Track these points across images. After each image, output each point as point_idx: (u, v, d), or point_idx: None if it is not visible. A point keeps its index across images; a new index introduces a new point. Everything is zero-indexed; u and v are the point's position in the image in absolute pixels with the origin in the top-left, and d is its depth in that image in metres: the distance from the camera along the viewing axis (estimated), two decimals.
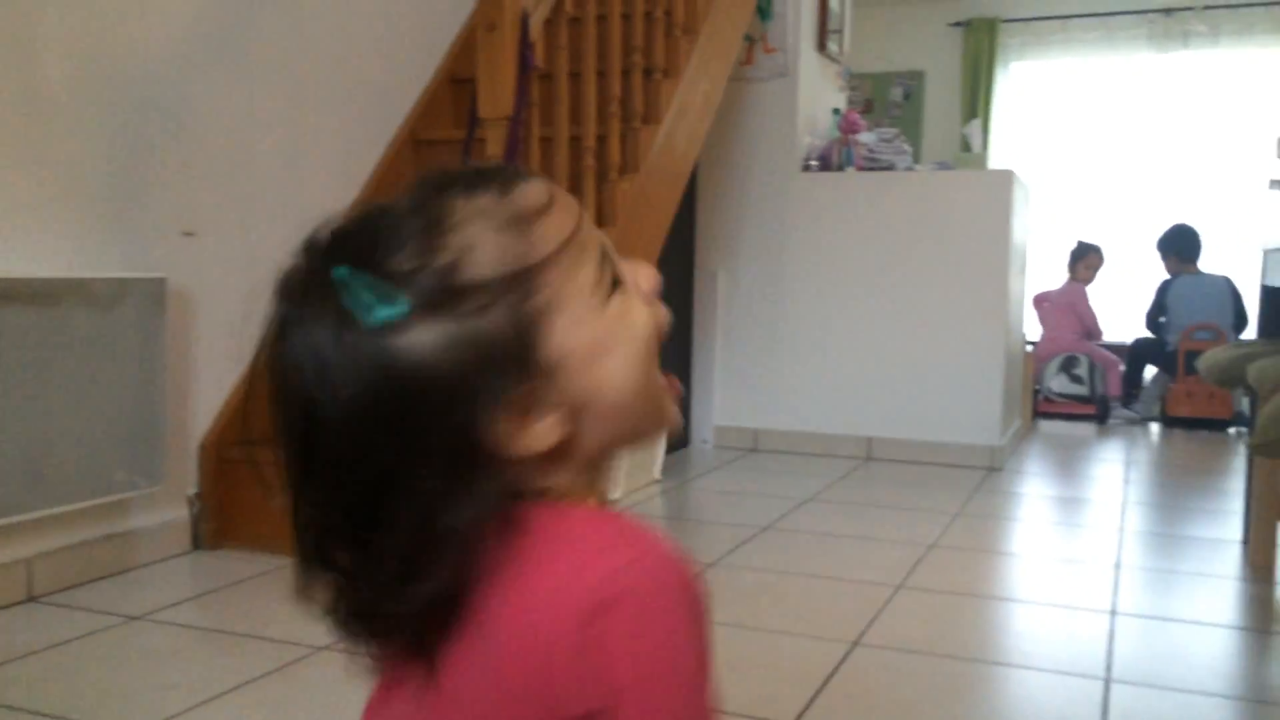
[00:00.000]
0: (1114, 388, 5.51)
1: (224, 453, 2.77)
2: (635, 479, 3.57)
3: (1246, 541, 3.05)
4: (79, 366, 2.30)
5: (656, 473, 3.75)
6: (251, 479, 2.74)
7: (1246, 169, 6.57)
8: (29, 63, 2.29)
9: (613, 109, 2.87)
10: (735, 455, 4.28)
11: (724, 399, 4.46)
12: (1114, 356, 5.56)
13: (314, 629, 2.18)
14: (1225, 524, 3.28)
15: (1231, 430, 4.98)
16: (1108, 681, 2.00)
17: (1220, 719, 1.84)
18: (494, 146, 2.40)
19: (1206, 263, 5.58)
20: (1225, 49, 6.76)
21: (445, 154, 3.50)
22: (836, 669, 2.02)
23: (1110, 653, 2.15)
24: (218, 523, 2.76)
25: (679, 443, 4.29)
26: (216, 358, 2.81)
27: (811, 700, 1.88)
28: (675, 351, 4.33)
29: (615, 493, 3.42)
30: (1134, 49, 6.98)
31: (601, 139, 2.90)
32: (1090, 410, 5.47)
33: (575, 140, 2.79)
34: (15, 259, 2.26)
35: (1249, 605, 2.48)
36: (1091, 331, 5.62)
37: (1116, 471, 4.15)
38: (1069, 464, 4.34)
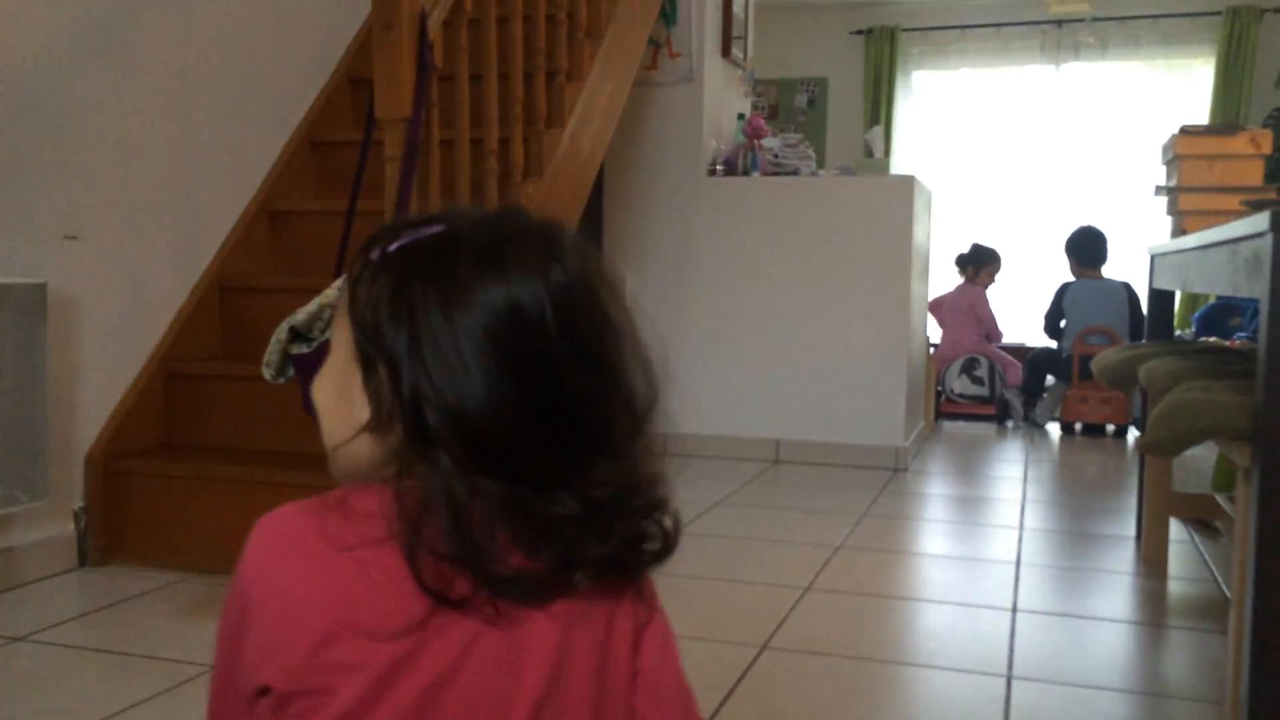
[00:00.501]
0: (1014, 378, 5.59)
1: (112, 464, 2.66)
2: None
3: (1139, 538, 3.14)
4: None
5: None
6: (143, 492, 2.64)
7: (1136, 176, 6.80)
8: None
9: (516, 111, 2.84)
10: None
11: None
12: (1012, 358, 5.66)
13: (206, 647, 2.11)
14: (1120, 521, 3.37)
15: (1133, 435, 5.09)
16: (1009, 679, 2.03)
17: (1118, 713, 1.88)
18: (392, 148, 2.35)
19: (1108, 268, 5.69)
20: (1113, 61, 6.99)
21: (344, 156, 3.42)
22: (745, 673, 2.02)
23: (1012, 650, 2.18)
24: (106, 538, 2.65)
25: None
26: (102, 365, 2.70)
27: (721, 705, 1.87)
28: None
29: None
30: (1028, 59, 7.17)
31: (505, 142, 2.86)
32: (990, 411, 5.59)
33: (477, 143, 2.74)
34: None
35: (1143, 600, 2.54)
36: (991, 334, 5.70)
37: (1016, 471, 4.24)
38: (971, 464, 4.43)
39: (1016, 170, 7.13)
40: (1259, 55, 6.60)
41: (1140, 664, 2.11)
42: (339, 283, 2.30)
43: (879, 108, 7.45)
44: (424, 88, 2.36)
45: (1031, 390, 5.47)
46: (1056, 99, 7.08)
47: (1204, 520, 3.29)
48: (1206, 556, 2.95)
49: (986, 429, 5.42)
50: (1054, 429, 5.38)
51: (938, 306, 5.79)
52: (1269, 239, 1.47)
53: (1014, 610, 2.45)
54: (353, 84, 3.63)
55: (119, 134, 2.70)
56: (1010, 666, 2.09)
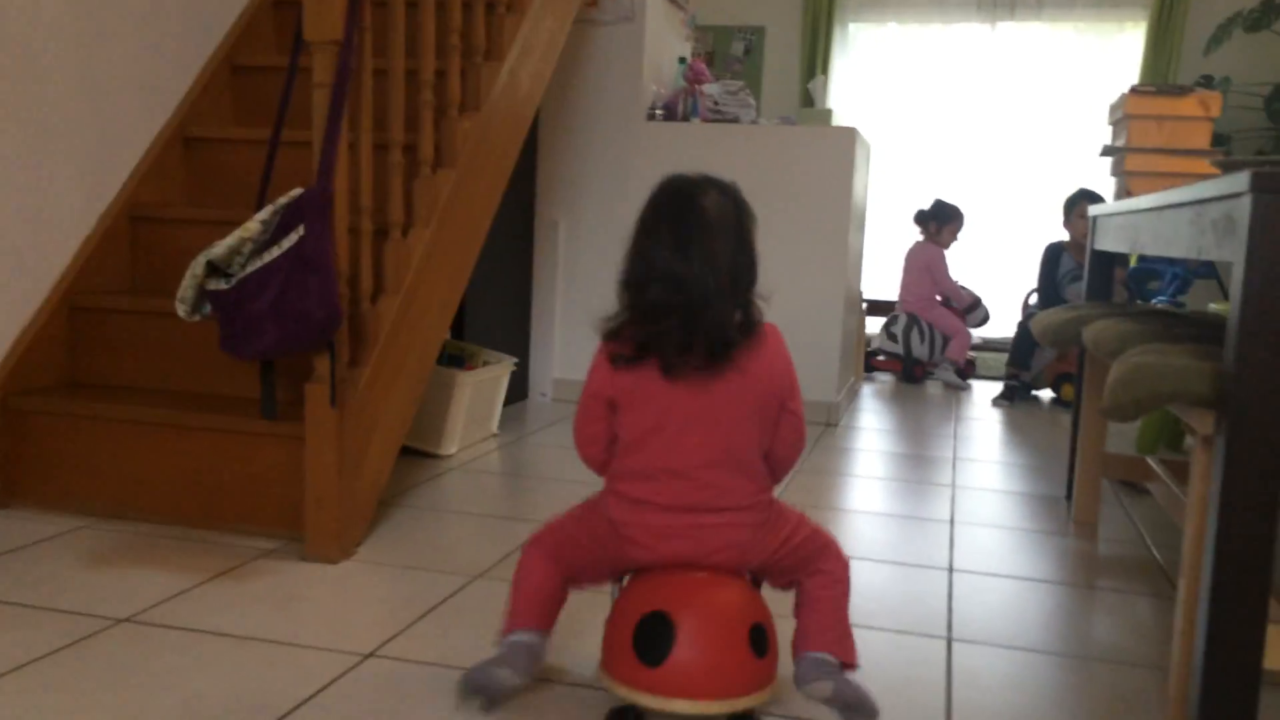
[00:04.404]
0: (955, 353, 5.48)
1: (11, 402, 2.49)
2: (472, 433, 3.43)
3: (1070, 498, 3.15)
4: None
5: (494, 426, 3.62)
6: (44, 431, 2.48)
7: (1069, 137, 6.85)
8: None
9: (453, 42, 2.69)
10: (573, 409, 4.18)
11: (564, 352, 4.35)
12: (963, 325, 5.50)
13: (111, 598, 1.99)
14: (1050, 481, 3.38)
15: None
16: (949, 640, 2.00)
17: (1060, 679, 1.86)
18: (321, 73, 2.20)
19: (1048, 229, 5.58)
20: (1048, 22, 6.99)
21: (266, 82, 3.24)
22: None
23: (950, 611, 2.16)
24: (4, 479, 2.49)
25: (515, 395, 4.16)
26: (2, 299, 2.52)
27: None
28: (514, 302, 4.18)
29: (451, 448, 3.27)
30: (965, 16, 7.14)
31: (441, 74, 2.72)
32: (896, 368, 5.57)
33: (412, 74, 2.60)
34: None
35: (1077, 562, 2.54)
36: (947, 294, 5.57)
37: (946, 429, 4.25)
38: (902, 420, 4.42)
39: (951, 127, 7.12)
40: (1188, 21, 6.65)
41: (1078, 627, 2.10)
42: (262, 215, 2.15)
43: (815, 59, 7.37)
44: (356, 9, 2.20)
45: (1020, 360, 5.15)
46: (992, 58, 7.07)
47: (1129, 481, 3.32)
48: (1134, 518, 2.97)
49: (929, 387, 5.44)
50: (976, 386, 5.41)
51: (908, 257, 5.67)
52: (1246, 200, 1.43)
53: (950, 570, 2.43)
54: (277, 6, 3.43)
55: (22, 48, 2.50)
56: (950, 628, 2.06)
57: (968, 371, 5.60)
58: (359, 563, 2.28)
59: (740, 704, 1.47)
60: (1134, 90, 2.73)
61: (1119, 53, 6.84)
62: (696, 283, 1.46)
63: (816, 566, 1.61)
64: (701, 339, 1.47)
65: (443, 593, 2.12)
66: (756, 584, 1.63)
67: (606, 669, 1.53)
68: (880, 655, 1.92)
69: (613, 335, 1.53)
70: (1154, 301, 5.43)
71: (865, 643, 1.96)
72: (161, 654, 1.76)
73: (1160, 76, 6.62)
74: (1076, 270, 5.14)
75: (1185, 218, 1.82)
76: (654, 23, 4.27)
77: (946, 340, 5.52)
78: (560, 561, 1.63)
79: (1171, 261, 5.72)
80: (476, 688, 1.57)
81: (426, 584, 2.16)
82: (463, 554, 2.36)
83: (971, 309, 5.57)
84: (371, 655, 1.80)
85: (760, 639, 1.50)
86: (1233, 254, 1.49)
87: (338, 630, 1.90)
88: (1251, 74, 6.39)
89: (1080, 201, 5.25)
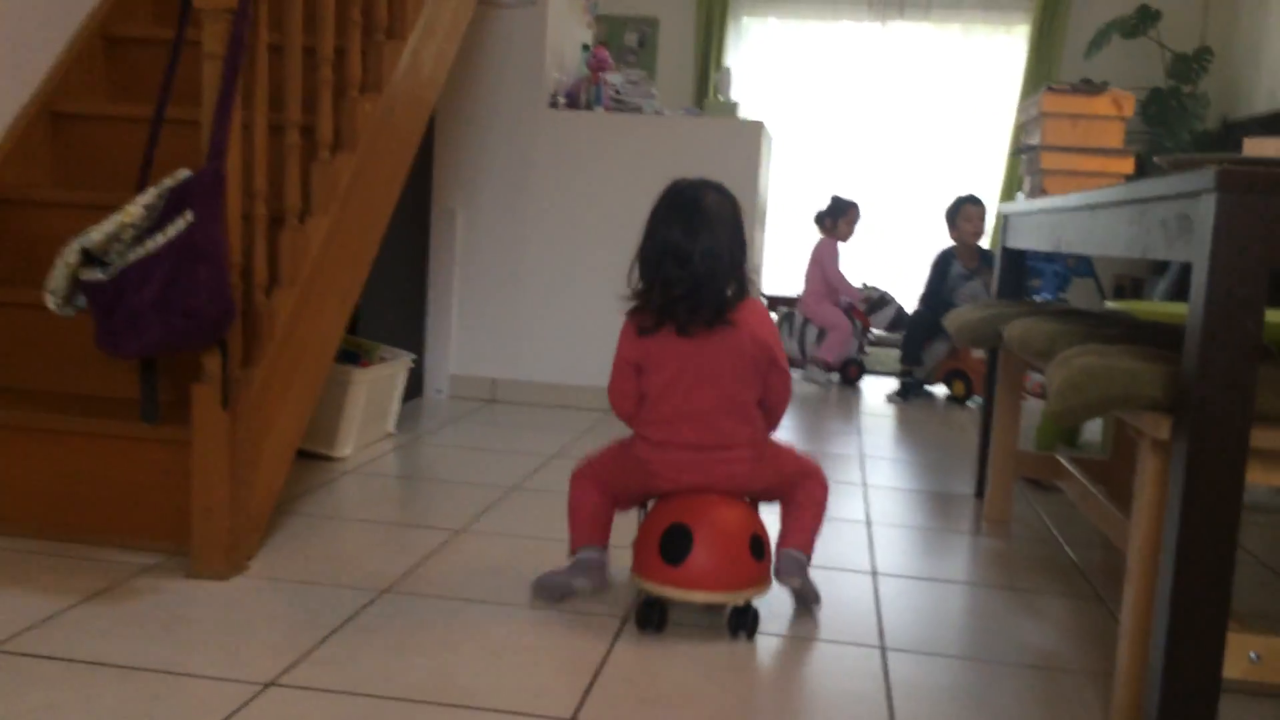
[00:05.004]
0: (827, 353, 5.37)
1: None
2: (368, 434, 3.25)
3: (980, 495, 3.14)
4: None
5: (390, 426, 3.44)
6: None
7: (959, 135, 6.95)
8: None
9: (354, 17, 2.52)
10: (473, 407, 4.03)
11: (461, 346, 4.19)
12: (844, 323, 5.39)
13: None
14: (958, 479, 3.38)
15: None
16: (884, 650, 1.93)
17: (994, 685, 1.81)
18: (213, 44, 2.01)
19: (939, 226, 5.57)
20: (935, 22, 7.07)
21: (143, 55, 3.01)
22: (608, 654, 1.84)
23: (880, 617, 2.10)
24: None
25: (410, 392, 3.98)
26: None
27: (589, 687, 1.69)
28: (409, 294, 4.00)
29: (346, 449, 3.09)
30: (856, 14, 7.18)
31: (340, 52, 2.54)
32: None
33: (310, 51, 2.42)
34: None
35: (994, 561, 2.51)
36: (837, 289, 5.49)
37: (849, 425, 4.23)
38: (803, 417, 4.39)
39: (844, 123, 7.15)
40: (1069, 26, 6.81)
41: (1006, 632, 2.06)
42: (145, 198, 1.96)
43: (710, 52, 7.32)
44: None
45: (911, 356, 5.16)
46: (883, 55, 7.12)
47: (1032, 478, 3.34)
48: (1043, 516, 2.98)
49: (823, 386, 5.43)
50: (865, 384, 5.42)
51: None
52: (1208, 199, 1.38)
53: (874, 574, 2.37)
54: None
55: None
56: (881, 636, 2.00)
57: (852, 372, 5.47)
58: (252, 579, 2.10)
59: (742, 596, 1.92)
60: (1049, 88, 2.72)
61: (1004, 54, 6.97)
62: (701, 259, 1.89)
63: (802, 487, 2.08)
64: (707, 303, 1.90)
65: (347, 610, 1.96)
66: (754, 505, 2.05)
67: (637, 571, 1.94)
68: (817, 667, 1.84)
69: (637, 310, 1.97)
70: (1036, 299, 5.53)
71: (801, 654, 1.89)
72: (31, 689, 1.57)
73: (1042, 79, 6.76)
74: (967, 273, 5.21)
75: (1124, 216, 1.79)
76: (557, 8, 4.13)
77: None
78: (604, 488, 2.07)
79: (1050, 259, 5.85)
80: (551, 593, 2.05)
81: (328, 601, 2.00)
82: (365, 566, 2.21)
83: (877, 307, 5.51)
84: (272, 684, 1.64)
85: (759, 546, 1.94)
86: (1189, 254, 1.45)
87: (232, 656, 1.73)
88: (1129, 79, 6.57)
89: (965, 205, 5.31)
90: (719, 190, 1.98)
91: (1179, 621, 1.41)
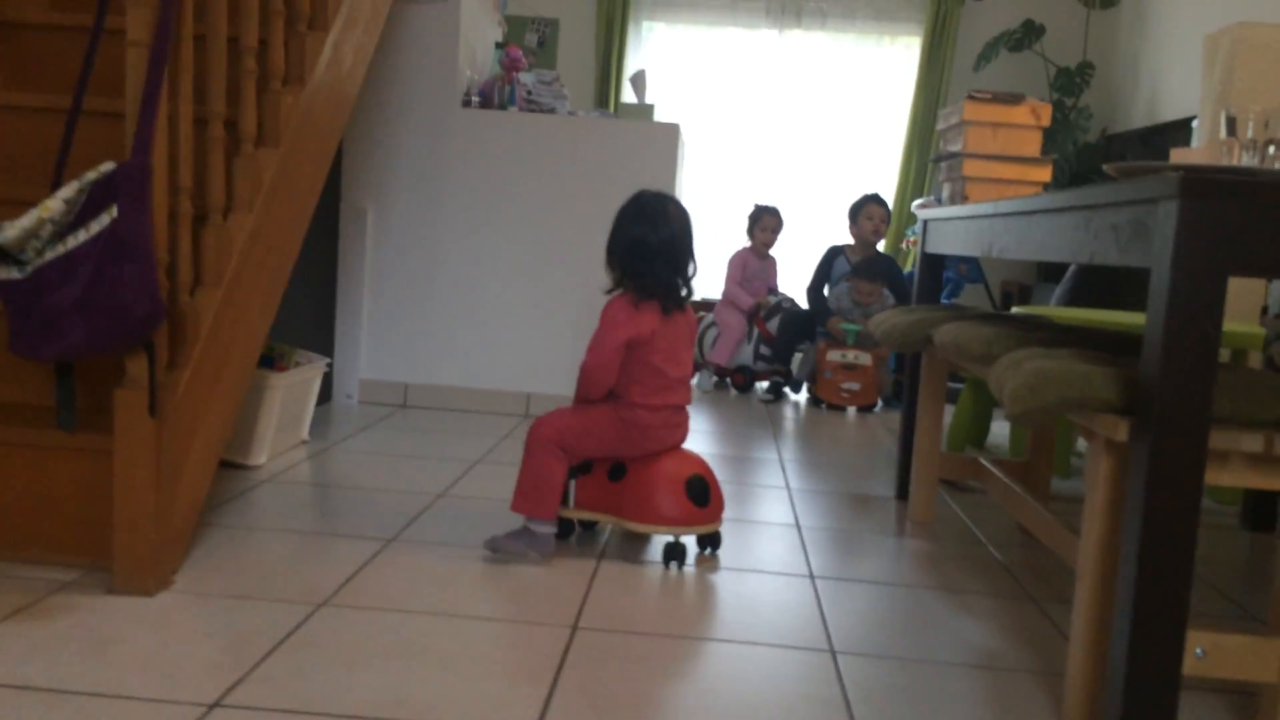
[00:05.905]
0: (719, 356, 5.31)
1: None
2: (282, 441, 3.14)
3: (901, 497, 3.19)
4: None
5: (304, 433, 3.33)
6: None
7: (856, 142, 7.08)
8: None
9: (276, 7, 2.42)
10: (384, 412, 3.92)
11: (371, 350, 4.08)
12: (734, 326, 5.33)
13: None
14: (878, 480, 3.42)
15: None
16: (834, 653, 1.94)
17: (945, 687, 1.83)
18: (138, 31, 1.90)
19: (838, 230, 5.60)
20: (831, 31, 7.20)
21: (40, 41, 2.85)
22: (564, 659, 1.81)
23: (825, 621, 2.11)
24: None
25: (319, 398, 3.86)
26: None
27: (549, 696, 1.65)
28: (318, 296, 3.88)
29: (261, 457, 2.97)
30: (754, 22, 7.27)
31: (263, 43, 2.44)
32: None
33: (233, 41, 2.32)
34: None
35: (924, 563, 2.55)
36: (726, 292, 5.46)
37: (765, 430, 4.26)
38: (718, 422, 4.40)
39: (744, 129, 7.22)
40: (959, 38, 7.01)
41: (948, 633, 2.09)
42: (65, 192, 1.85)
43: (610, 55, 7.31)
44: None
45: (781, 354, 5.19)
46: (781, 63, 7.22)
47: (949, 479, 3.41)
48: (964, 516, 3.04)
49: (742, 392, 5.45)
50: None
51: None
52: (1168, 205, 1.42)
53: (812, 577, 2.39)
54: None
55: None
56: (830, 640, 2.01)
57: (738, 379, 5.35)
58: (179, 594, 2.00)
59: (719, 523, 2.48)
60: (971, 96, 2.78)
61: (897, 64, 7.13)
62: (666, 250, 2.33)
63: None
64: (678, 288, 2.37)
65: (285, 625, 1.88)
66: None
67: (659, 519, 2.35)
68: (772, 672, 1.83)
69: (625, 295, 2.34)
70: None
71: (753, 660, 1.88)
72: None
73: (934, 90, 6.94)
74: (851, 270, 5.27)
75: (1069, 223, 1.83)
76: (469, 5, 4.06)
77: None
78: (569, 455, 2.35)
79: (944, 266, 6.01)
80: (502, 554, 2.33)
81: (263, 615, 1.91)
82: (297, 578, 2.12)
83: (774, 314, 5.43)
84: (217, 705, 1.56)
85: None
86: (1145, 259, 1.49)
87: (170, 677, 1.64)
88: (1017, 91, 6.81)
89: (868, 204, 5.39)
90: (677, 203, 2.42)
91: (1141, 621, 1.45)
